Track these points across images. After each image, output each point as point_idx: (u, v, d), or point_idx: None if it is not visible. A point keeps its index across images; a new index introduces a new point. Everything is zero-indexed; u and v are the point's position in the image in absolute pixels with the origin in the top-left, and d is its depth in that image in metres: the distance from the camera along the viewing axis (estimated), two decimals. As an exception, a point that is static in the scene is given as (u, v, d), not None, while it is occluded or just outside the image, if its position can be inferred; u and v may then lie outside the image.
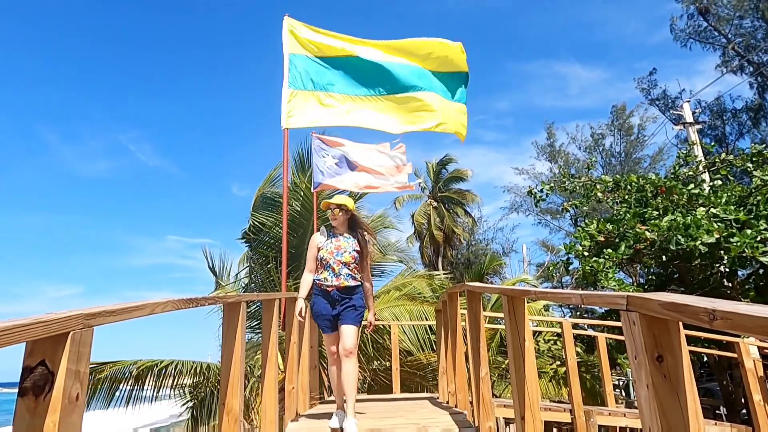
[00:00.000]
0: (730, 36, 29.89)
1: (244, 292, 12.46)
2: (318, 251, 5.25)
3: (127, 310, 2.46)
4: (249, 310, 11.74)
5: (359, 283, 5.23)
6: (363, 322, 5.43)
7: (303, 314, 5.28)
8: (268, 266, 11.85)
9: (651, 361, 1.89)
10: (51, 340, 1.92)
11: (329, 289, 5.08)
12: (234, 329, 4.04)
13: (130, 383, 10.59)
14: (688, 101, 22.73)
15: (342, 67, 7.63)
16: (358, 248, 5.27)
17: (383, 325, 11.39)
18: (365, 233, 5.48)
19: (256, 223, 12.38)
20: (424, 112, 7.61)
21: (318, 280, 5.17)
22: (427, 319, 11.70)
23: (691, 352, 13.80)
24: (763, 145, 10.54)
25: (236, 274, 13.59)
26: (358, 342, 5.19)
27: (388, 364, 11.42)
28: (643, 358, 1.92)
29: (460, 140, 7.94)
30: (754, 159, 10.42)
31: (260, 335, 6.13)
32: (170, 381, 10.92)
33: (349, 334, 4.99)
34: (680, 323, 1.89)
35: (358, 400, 7.51)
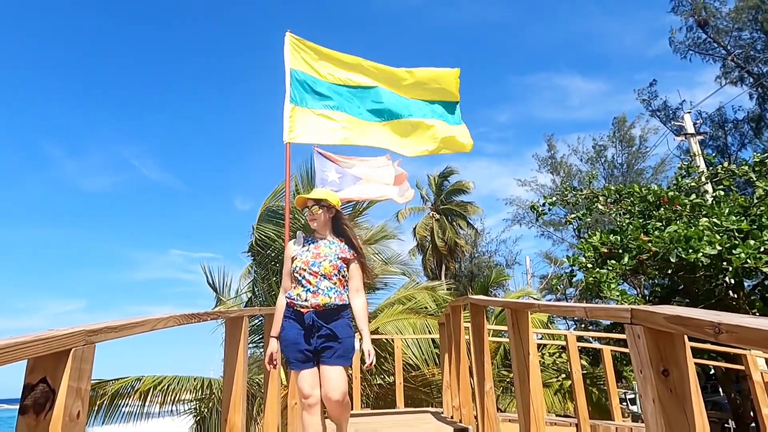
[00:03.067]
0: (729, 47, 30.00)
1: (246, 306, 12.45)
2: (292, 262, 4.03)
3: (129, 326, 2.45)
4: (252, 324, 11.73)
5: (346, 302, 3.93)
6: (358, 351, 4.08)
7: (275, 361, 4.07)
8: (272, 280, 11.85)
9: (657, 375, 1.88)
10: (52, 357, 1.91)
11: (303, 310, 3.81)
12: (236, 344, 4.03)
13: (132, 400, 10.56)
14: (689, 112, 22.78)
15: (343, 92, 7.72)
16: (344, 255, 4.02)
17: (386, 339, 11.35)
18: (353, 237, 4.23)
19: (262, 236, 12.39)
20: (425, 137, 7.73)
21: (290, 298, 3.91)
22: (430, 333, 11.65)
23: (697, 364, 13.72)
24: (766, 154, 10.50)
25: (237, 289, 13.60)
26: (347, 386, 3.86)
27: (391, 378, 11.37)
28: (648, 372, 1.90)
29: (468, 152, 8.05)
30: (756, 168, 10.38)
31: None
32: (173, 397, 10.88)
33: (334, 378, 3.75)
34: (685, 336, 1.88)
35: (358, 415, 7.48)
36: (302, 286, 3.89)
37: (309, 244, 4.09)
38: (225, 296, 13.41)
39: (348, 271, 4.04)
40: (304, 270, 3.90)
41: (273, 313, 4.53)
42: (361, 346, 3.93)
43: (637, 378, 2.02)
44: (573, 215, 11.85)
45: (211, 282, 13.45)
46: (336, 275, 3.92)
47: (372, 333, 11.55)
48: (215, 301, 13.42)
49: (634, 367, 2.03)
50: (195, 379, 11.24)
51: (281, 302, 4.02)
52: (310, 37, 7.70)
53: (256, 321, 11.76)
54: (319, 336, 3.77)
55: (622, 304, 8.94)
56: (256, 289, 12.71)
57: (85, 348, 2.04)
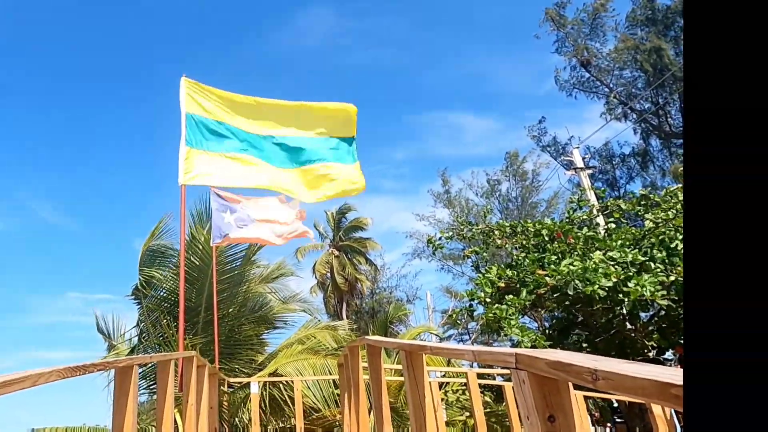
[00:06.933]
0: (611, 86, 32.04)
1: (135, 350, 11.99)
2: None
3: (7, 383, 2.25)
4: (146, 367, 11.23)
5: None
6: None
7: None
8: (163, 322, 11.42)
9: (543, 422, 1.82)
10: None
11: None
12: (126, 395, 3.81)
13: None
14: (578, 147, 23.91)
15: (241, 134, 7.64)
16: None
17: (286, 381, 11.05)
18: None
19: (147, 277, 11.96)
20: (324, 182, 7.74)
21: None
22: (331, 373, 11.41)
23: (601, 398, 14.03)
24: (649, 189, 11.04)
25: (129, 331, 13.11)
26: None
27: (292, 421, 11.05)
28: (535, 419, 1.84)
29: (361, 191, 8.07)
30: (642, 202, 10.85)
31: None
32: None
33: None
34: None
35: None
36: None
37: None
38: (117, 341, 12.89)
39: None
40: None
41: (168, 359, 4.29)
42: None
43: (525, 424, 1.96)
44: (470, 250, 12.02)
45: (103, 328, 12.92)
46: None
47: (271, 375, 11.24)
48: (107, 347, 12.88)
49: (522, 414, 1.98)
50: (90, 429, 10.83)
51: None
52: (207, 82, 7.64)
53: (152, 365, 11.29)
54: None
55: (522, 340, 9.00)
56: (145, 332, 12.20)
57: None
